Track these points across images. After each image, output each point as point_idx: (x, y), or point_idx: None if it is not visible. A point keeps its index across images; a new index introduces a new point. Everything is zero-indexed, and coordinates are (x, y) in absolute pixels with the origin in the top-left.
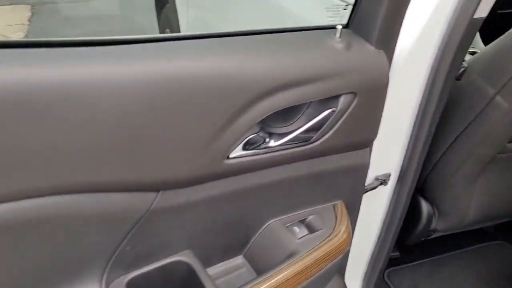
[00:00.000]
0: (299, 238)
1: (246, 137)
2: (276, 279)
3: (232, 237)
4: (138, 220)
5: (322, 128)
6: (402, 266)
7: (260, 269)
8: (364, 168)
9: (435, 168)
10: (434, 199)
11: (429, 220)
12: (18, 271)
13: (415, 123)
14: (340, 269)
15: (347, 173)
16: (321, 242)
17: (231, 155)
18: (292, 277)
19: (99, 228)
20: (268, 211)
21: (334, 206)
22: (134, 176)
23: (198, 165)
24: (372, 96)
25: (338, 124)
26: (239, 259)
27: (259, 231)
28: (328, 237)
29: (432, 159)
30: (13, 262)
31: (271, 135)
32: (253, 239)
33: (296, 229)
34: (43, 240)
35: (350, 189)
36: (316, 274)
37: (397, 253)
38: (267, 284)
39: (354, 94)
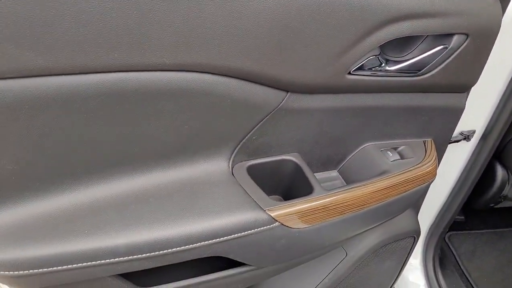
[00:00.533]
0: (391, 161)
1: (368, 58)
2: (363, 190)
3: (332, 151)
4: (268, 114)
5: (431, 63)
6: (464, 231)
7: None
8: (458, 112)
9: None
10: (510, 166)
11: (502, 186)
12: (159, 140)
13: (511, 80)
14: (417, 203)
15: (442, 113)
16: (410, 167)
17: (352, 71)
18: (379, 191)
19: (235, 112)
20: (366, 133)
21: (424, 142)
22: (271, 71)
23: (323, 75)
24: (482, 41)
25: (446, 62)
26: (334, 173)
27: (356, 151)
28: (417, 164)
29: None
30: (153, 130)
31: (387, 60)
32: (348, 157)
33: (389, 153)
34: (182, 111)
35: (441, 130)
36: (401, 195)
37: (462, 217)
38: (356, 191)
39: (466, 35)
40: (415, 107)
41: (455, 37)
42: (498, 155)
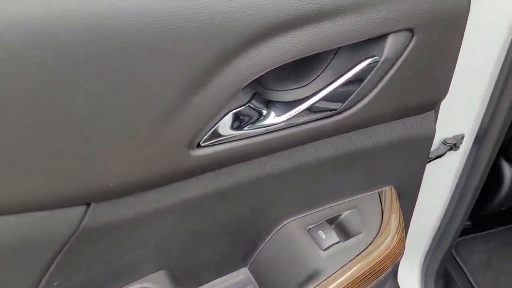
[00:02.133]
0: (325, 249)
1: (227, 113)
2: None
3: (230, 245)
4: (64, 244)
5: (359, 88)
6: (473, 235)
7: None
8: (426, 140)
9: None
10: None
11: None
12: None
13: (503, 67)
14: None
15: (400, 149)
16: (359, 254)
17: (204, 143)
18: None
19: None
20: (279, 207)
21: (380, 195)
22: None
23: (146, 163)
24: (440, 34)
25: (384, 81)
26: (242, 273)
27: (270, 236)
28: (370, 244)
29: None
30: None
31: (271, 104)
32: (261, 247)
33: (321, 234)
34: None
35: (405, 170)
36: None
37: (469, 223)
38: None
39: (411, 31)
40: (353, 151)
41: (390, 39)
42: (504, 150)
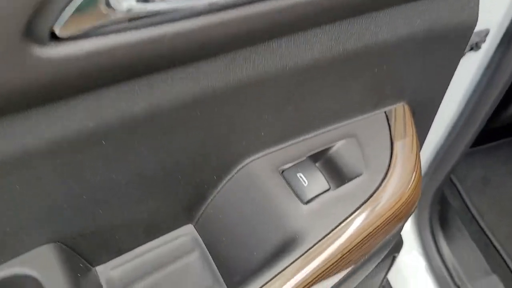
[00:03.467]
0: (307, 201)
1: None
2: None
3: (163, 198)
4: None
5: None
6: (472, 149)
7: (228, 263)
8: (465, 31)
9: None
10: None
11: None
12: None
13: None
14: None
15: (426, 43)
16: (359, 208)
17: (65, 31)
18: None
19: None
20: (237, 139)
21: (388, 117)
22: None
23: None
24: None
25: None
26: (185, 233)
27: (224, 180)
28: (375, 191)
29: None
30: None
31: None
32: (211, 197)
33: (301, 178)
34: None
35: (427, 78)
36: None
37: None
38: None
39: None
40: (359, 48)
41: None
42: None
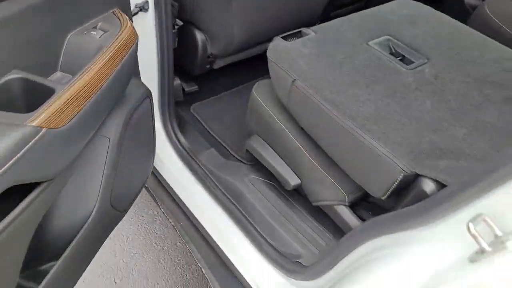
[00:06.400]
0: (100, 37)
1: None
2: (94, 70)
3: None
4: None
5: None
6: (205, 100)
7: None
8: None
9: None
10: (204, 26)
11: (205, 47)
12: None
13: None
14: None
15: None
16: (117, 35)
17: None
18: (106, 64)
19: None
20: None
21: (113, 12)
22: None
23: None
24: None
25: None
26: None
27: (63, 45)
28: (120, 31)
29: None
30: None
31: None
32: (62, 51)
33: (93, 32)
34: None
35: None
36: (122, 61)
37: (196, 86)
38: (89, 73)
39: None
40: None
41: None
42: (192, 21)
